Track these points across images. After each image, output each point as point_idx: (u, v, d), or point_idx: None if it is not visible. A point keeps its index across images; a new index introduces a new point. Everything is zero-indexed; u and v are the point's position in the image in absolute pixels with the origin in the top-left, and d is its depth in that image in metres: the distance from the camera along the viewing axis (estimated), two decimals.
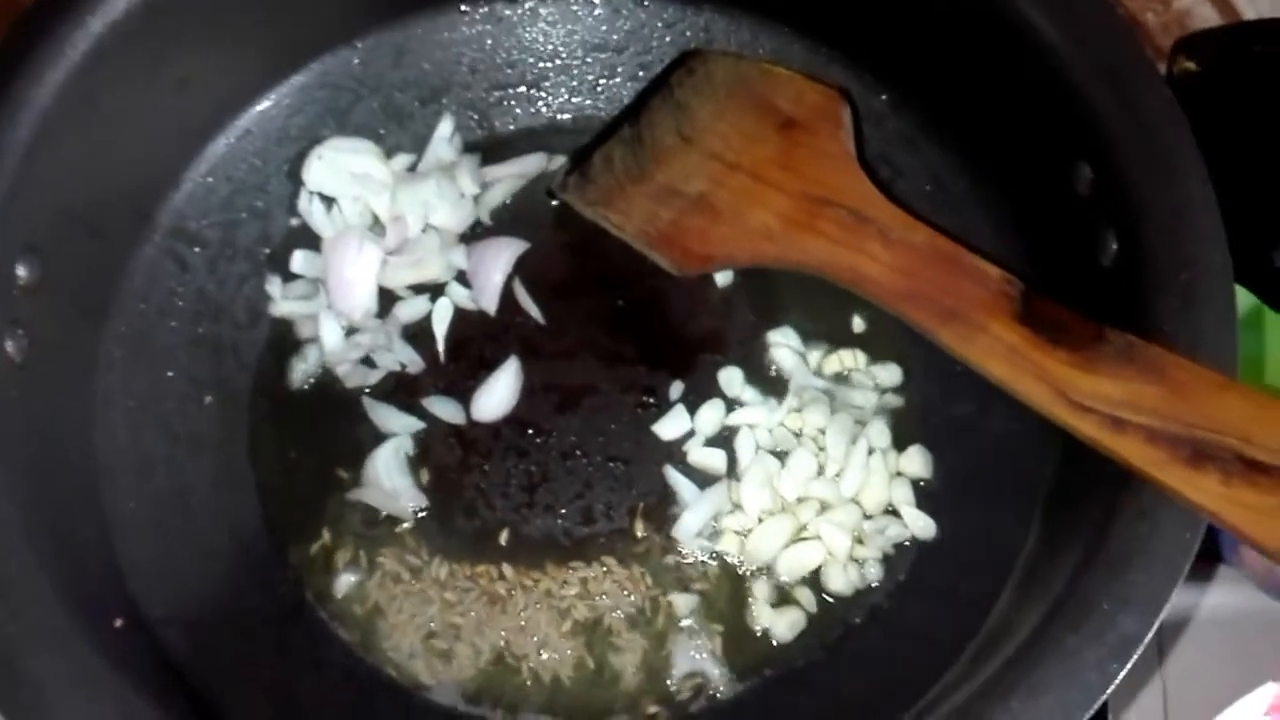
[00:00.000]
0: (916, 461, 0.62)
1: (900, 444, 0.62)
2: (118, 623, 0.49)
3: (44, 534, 0.47)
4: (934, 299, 0.53)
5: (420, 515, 0.62)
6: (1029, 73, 0.56)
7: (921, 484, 0.62)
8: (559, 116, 0.72)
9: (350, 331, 0.66)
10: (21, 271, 0.53)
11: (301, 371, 0.65)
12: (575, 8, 0.71)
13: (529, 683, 0.58)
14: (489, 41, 0.71)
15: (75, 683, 0.43)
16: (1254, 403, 0.46)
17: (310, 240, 0.68)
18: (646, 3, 0.71)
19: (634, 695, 0.58)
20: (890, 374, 0.64)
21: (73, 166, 0.56)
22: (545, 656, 0.58)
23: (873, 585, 0.60)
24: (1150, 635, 0.43)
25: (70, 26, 0.54)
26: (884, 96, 0.67)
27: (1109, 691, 0.42)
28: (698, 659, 0.58)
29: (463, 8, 0.70)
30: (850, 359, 0.65)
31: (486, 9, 0.70)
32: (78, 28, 0.55)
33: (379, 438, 0.63)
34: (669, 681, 0.58)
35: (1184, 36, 0.57)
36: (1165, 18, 0.70)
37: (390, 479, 0.62)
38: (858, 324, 0.66)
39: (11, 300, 0.52)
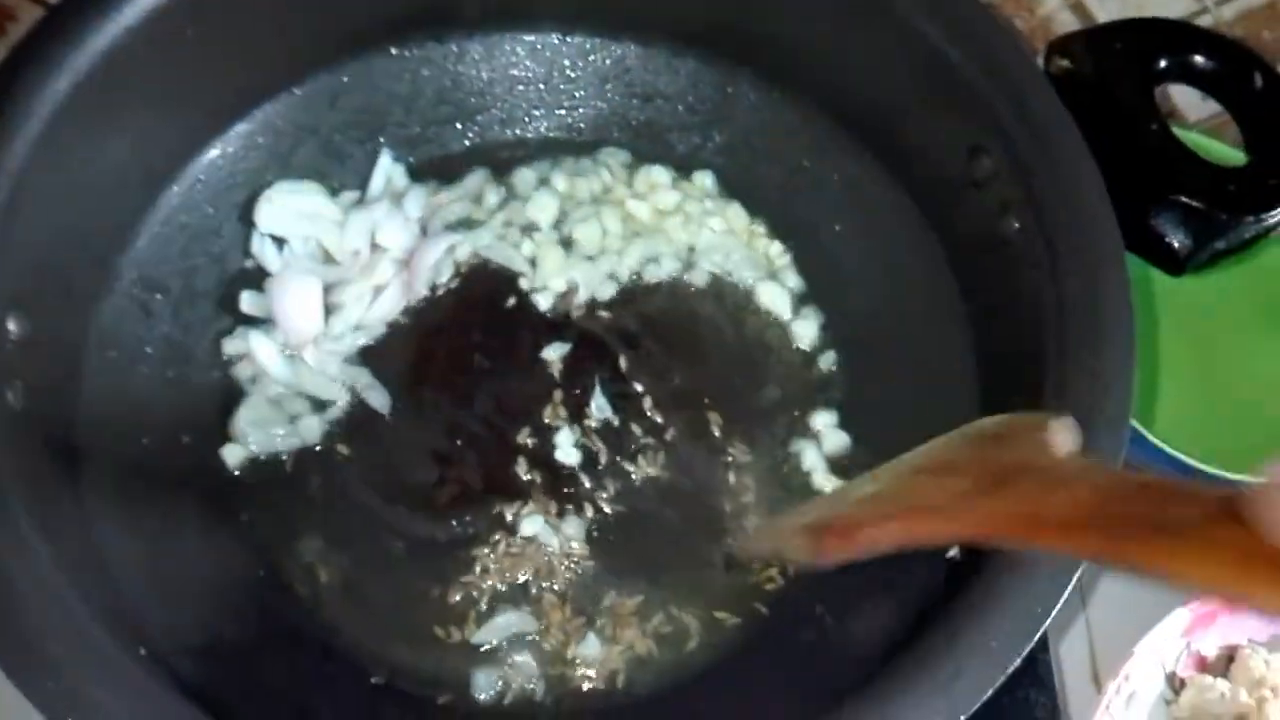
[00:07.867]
0: None
1: None
2: (141, 651, 0.51)
3: (75, 572, 0.49)
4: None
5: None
6: (931, 80, 0.62)
7: None
8: (493, 141, 0.77)
9: (299, 359, 0.69)
10: (12, 326, 0.54)
11: (264, 401, 0.68)
12: (498, 45, 0.75)
13: None
14: (419, 79, 0.75)
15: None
16: None
17: (264, 281, 0.70)
18: (568, 39, 0.75)
19: None
20: None
21: (45, 222, 0.57)
22: None
23: None
24: None
25: (39, 87, 0.56)
26: (797, 110, 0.72)
27: None
28: None
29: (391, 50, 0.73)
30: None
31: (416, 50, 0.74)
32: (46, 87, 0.56)
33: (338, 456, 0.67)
34: None
35: (1056, 39, 0.65)
36: (1032, 23, 0.79)
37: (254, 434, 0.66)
38: None
39: (7, 354, 0.54)
